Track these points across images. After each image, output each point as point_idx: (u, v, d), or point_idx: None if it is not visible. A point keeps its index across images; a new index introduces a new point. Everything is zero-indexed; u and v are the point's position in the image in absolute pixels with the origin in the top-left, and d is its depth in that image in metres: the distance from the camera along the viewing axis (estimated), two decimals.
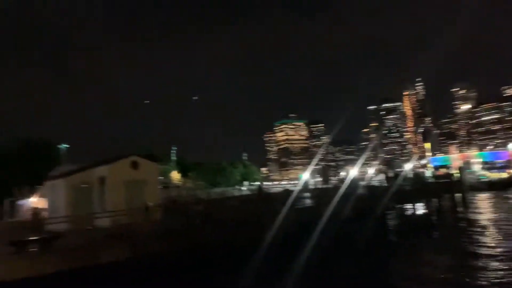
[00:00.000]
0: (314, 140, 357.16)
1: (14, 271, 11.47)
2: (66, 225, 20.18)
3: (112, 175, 23.37)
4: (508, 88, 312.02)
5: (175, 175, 71.37)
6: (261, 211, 20.55)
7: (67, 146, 51.05)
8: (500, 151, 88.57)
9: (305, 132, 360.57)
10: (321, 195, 27.86)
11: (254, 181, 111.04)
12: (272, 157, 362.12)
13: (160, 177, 36.32)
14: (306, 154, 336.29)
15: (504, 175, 62.41)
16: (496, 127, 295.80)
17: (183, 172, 78.67)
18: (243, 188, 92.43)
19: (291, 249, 16.18)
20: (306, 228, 18.72)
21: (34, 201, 30.31)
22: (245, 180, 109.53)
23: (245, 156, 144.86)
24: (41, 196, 29.69)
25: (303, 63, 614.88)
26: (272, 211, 19.63)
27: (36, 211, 26.64)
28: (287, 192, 30.18)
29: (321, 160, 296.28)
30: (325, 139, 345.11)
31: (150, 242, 15.25)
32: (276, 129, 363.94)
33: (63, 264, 12.51)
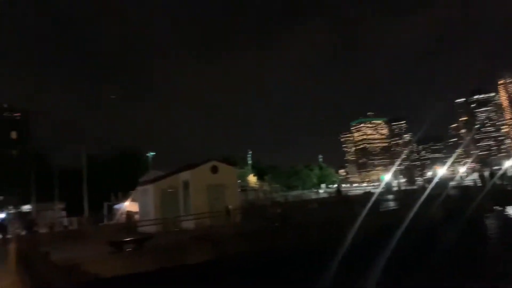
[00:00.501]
0: (395, 138, 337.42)
1: (114, 268, 12.66)
2: (156, 227, 21.80)
3: (194, 180, 24.64)
4: None
5: (252, 179, 73.00)
6: (340, 214, 19.94)
7: (153, 154, 55.37)
8: None
9: (385, 131, 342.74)
10: (406, 197, 26.13)
11: (332, 184, 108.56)
12: (350, 158, 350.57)
13: (238, 181, 37.39)
14: (387, 154, 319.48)
15: None
16: None
17: (259, 175, 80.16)
18: (321, 191, 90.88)
19: (371, 253, 15.37)
20: (388, 232, 17.64)
21: (128, 205, 33.33)
22: (322, 182, 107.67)
23: (320, 158, 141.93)
24: (133, 200, 32.53)
25: (381, 58, 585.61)
26: (352, 214, 18.91)
27: (129, 214, 29.29)
28: (367, 195, 28.88)
29: (404, 159, 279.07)
30: (408, 137, 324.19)
31: (232, 243, 15.70)
32: (353, 129, 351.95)
33: (154, 263, 13.48)
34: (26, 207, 50.60)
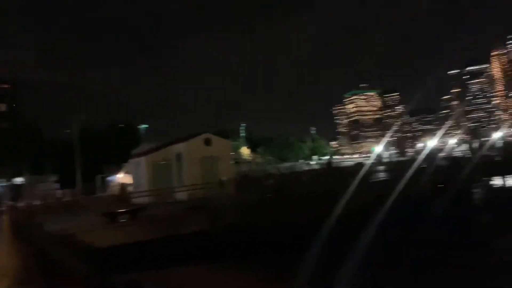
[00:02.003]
0: (388, 110, 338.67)
1: (108, 238, 12.85)
2: (149, 198, 21.99)
3: (187, 152, 24.69)
4: None
5: (245, 151, 73.26)
6: (332, 186, 20.24)
7: (147, 126, 55.08)
8: None
9: (377, 103, 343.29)
10: (396, 168, 26.54)
11: (324, 156, 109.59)
12: (342, 130, 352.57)
13: (231, 153, 37.51)
14: (379, 126, 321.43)
15: None
16: None
17: (252, 147, 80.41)
18: (312, 162, 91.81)
19: (360, 226, 15.71)
20: (379, 203, 18.01)
21: (121, 177, 33.44)
22: (314, 154, 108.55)
23: (313, 130, 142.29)
24: (126, 172, 32.62)
25: (376, 29, 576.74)
26: (343, 186, 19.21)
27: (123, 186, 29.38)
28: (358, 166, 29.26)
29: (396, 131, 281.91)
30: (401, 109, 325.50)
31: (227, 214, 15.94)
32: (346, 101, 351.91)
33: (149, 233, 13.70)
34: (19, 180, 50.52)
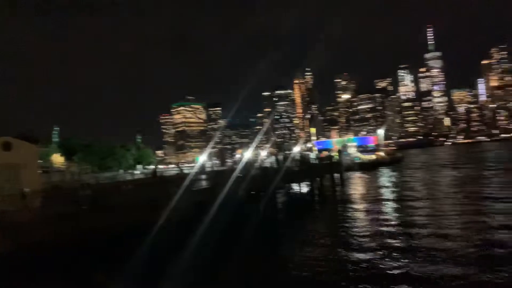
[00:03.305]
0: (211, 123, 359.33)
1: None
2: None
3: None
4: (380, 82, 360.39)
5: (57, 158, 64.53)
6: (155, 195, 20.18)
7: None
8: (369, 136, 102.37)
9: (203, 115, 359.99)
10: (217, 176, 28.54)
11: (149, 165, 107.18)
12: (169, 140, 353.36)
13: (39, 161, 32.67)
14: (203, 137, 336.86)
15: (373, 157, 72.41)
16: (369, 115, 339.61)
17: (68, 155, 71.59)
18: (137, 171, 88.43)
19: (185, 233, 16.41)
20: (201, 210, 19.13)
21: None
22: (139, 163, 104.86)
23: (139, 139, 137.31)
24: None
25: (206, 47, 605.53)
26: (167, 194, 19.47)
27: None
28: (182, 175, 30.14)
29: (218, 143, 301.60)
30: (222, 122, 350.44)
31: (29, 231, 13.81)
32: (173, 111, 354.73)
33: None
34: None
